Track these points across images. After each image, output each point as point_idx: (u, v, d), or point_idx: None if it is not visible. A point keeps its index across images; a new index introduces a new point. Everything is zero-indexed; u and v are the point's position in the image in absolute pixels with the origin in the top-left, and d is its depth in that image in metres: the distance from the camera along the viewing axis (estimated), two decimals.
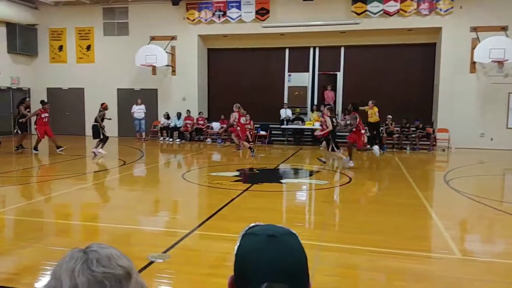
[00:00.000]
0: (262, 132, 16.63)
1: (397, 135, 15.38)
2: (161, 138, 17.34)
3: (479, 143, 15.06)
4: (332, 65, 17.34)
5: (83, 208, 7.02)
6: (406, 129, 15.42)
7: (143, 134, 17.28)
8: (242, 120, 13.36)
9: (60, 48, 18.84)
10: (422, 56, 16.65)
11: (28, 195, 7.85)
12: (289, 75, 17.83)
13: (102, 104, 12.82)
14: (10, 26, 17.71)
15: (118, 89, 18.29)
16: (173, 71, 17.80)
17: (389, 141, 15.32)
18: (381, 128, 14.82)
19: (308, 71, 17.62)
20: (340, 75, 17.31)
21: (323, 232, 5.49)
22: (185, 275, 3.95)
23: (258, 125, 16.69)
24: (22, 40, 18.09)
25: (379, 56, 16.69)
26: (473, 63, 15.03)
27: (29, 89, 19.07)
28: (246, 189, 7.99)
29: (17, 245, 4.88)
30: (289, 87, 17.90)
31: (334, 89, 17.23)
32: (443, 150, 15.13)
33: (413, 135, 15.20)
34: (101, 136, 12.51)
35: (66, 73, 18.68)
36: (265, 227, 0.94)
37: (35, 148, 12.67)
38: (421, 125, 15.14)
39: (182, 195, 8.09)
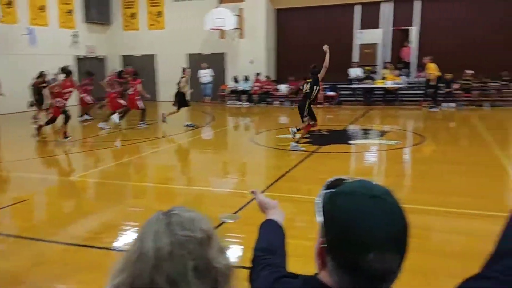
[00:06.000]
0: (330, 93, 16.23)
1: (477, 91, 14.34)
2: (229, 102, 17.56)
3: None
4: (407, 20, 16.34)
5: (157, 171, 7.39)
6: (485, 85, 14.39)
7: (209, 98, 17.59)
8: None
9: (133, 15, 19.46)
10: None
11: (105, 159, 8.40)
12: (360, 32, 17.02)
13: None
14: None
15: (187, 54, 18.65)
16: (241, 34, 17.73)
17: (467, 98, 14.32)
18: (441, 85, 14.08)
19: (378, 27, 16.74)
20: (414, 31, 16.33)
21: (397, 194, 5.30)
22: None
23: (327, 86, 16.27)
24: (97, 10, 18.84)
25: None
26: None
27: (104, 57, 20.01)
28: (314, 151, 7.91)
29: (101, 206, 5.28)
30: (360, 45, 17.14)
31: None
32: None
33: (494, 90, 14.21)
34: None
35: (139, 40, 19.32)
36: (359, 184, 0.83)
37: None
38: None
39: (251, 157, 8.21)
